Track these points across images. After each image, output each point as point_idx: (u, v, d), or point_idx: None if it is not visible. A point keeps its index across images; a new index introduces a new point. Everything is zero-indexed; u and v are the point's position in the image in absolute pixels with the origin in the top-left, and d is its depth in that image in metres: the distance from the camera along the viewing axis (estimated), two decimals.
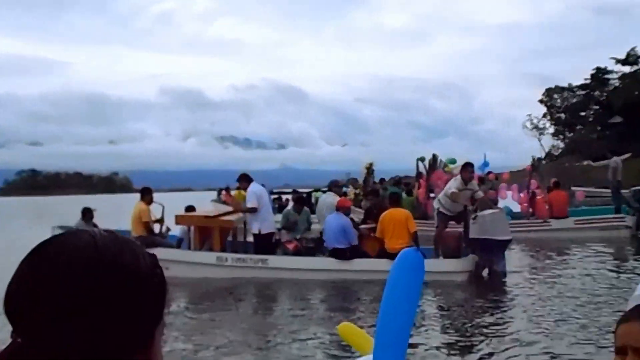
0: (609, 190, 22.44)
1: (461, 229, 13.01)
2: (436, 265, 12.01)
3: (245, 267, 12.51)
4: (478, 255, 12.21)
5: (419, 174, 20.89)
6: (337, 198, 13.67)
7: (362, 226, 13.16)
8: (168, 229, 13.94)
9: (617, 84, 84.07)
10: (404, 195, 19.10)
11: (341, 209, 12.57)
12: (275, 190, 32.01)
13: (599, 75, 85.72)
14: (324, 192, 27.92)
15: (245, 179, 13.11)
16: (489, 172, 21.65)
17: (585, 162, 78.94)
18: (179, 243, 13.59)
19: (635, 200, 19.03)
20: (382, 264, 12.15)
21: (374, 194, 14.03)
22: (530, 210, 20.50)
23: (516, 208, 20.08)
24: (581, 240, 16.83)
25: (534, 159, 21.52)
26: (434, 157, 20.15)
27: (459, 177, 12.91)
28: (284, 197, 27.89)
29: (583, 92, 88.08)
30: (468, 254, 12.29)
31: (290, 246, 13.06)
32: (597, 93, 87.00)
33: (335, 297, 11.00)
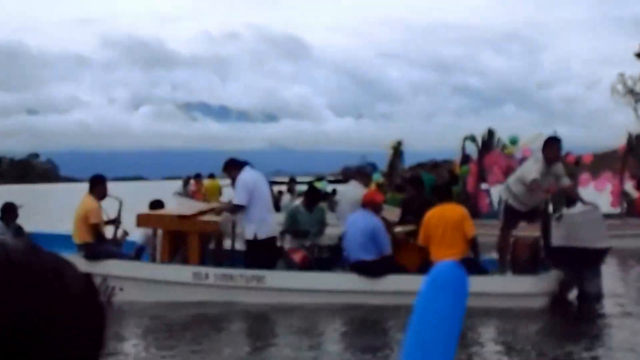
0: None
1: (538, 234, 12.83)
2: (502, 284, 12.03)
3: (232, 287, 12.35)
4: (562, 271, 12.04)
5: (466, 157, 20.87)
6: (363, 190, 13.53)
7: (397, 229, 13.01)
8: (126, 234, 13.81)
9: None
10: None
11: (369, 205, 12.41)
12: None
13: None
14: (332, 182, 28.01)
15: (233, 166, 13.00)
16: (567, 154, 21.66)
17: None
18: (138, 253, 13.52)
19: None
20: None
21: (415, 183, 13.98)
22: (625, 207, 20.47)
23: (604, 205, 19.98)
24: None
25: (630, 136, 21.44)
26: (490, 133, 20.12)
27: (539, 156, 12.75)
28: (275, 188, 28.06)
29: None
30: (548, 268, 12.13)
31: (297, 257, 12.89)
32: None
33: (358, 330, 10.88)
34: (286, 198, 26.73)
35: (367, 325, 11.00)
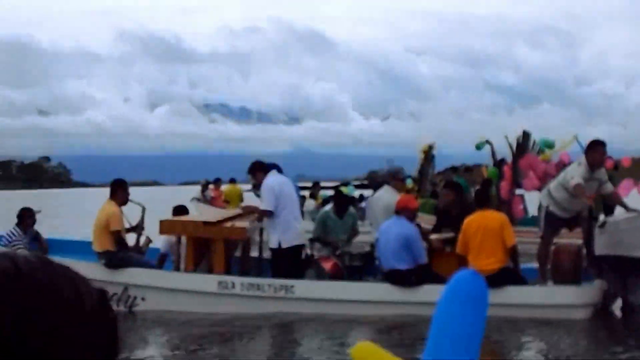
0: None
1: (580, 242, 12.85)
2: (543, 295, 11.95)
3: (260, 297, 12.33)
4: (607, 281, 11.99)
5: (500, 161, 20.81)
6: (397, 196, 13.44)
7: (433, 236, 12.92)
8: (149, 241, 13.82)
9: None
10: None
11: (404, 211, 12.35)
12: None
13: None
14: (358, 187, 27.92)
15: (259, 169, 13.02)
16: (605, 158, 21.44)
17: None
18: (161, 261, 13.52)
19: None
20: None
21: (453, 187, 13.97)
22: None
23: None
24: None
25: None
26: (525, 135, 19.98)
27: (583, 160, 12.63)
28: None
29: None
30: (592, 278, 12.08)
31: (327, 265, 12.88)
32: None
33: (392, 341, 10.66)
34: (309, 204, 26.70)
35: (402, 336, 10.87)
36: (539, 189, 19.51)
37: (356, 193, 25.54)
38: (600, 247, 12.17)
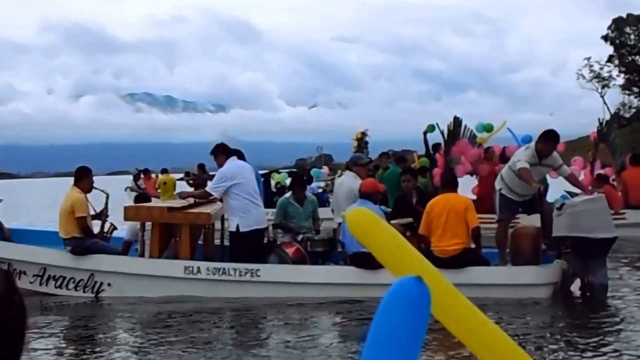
0: None
1: (538, 224, 12.92)
2: (505, 274, 12.10)
3: (226, 281, 12.45)
4: (567, 261, 12.15)
5: (434, 147, 21.03)
6: (359, 181, 13.48)
7: (393, 221, 12.71)
8: (114, 228, 13.88)
9: None
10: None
11: (368, 195, 12.47)
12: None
13: None
14: (290, 174, 28.06)
15: (222, 152, 13.08)
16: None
17: None
18: (125, 248, 13.53)
19: None
20: None
21: (413, 173, 14.22)
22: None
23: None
24: None
25: (601, 124, 21.70)
26: (456, 121, 20.20)
27: (532, 145, 12.94)
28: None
29: None
30: (551, 259, 12.27)
31: (290, 251, 12.95)
32: None
33: (356, 324, 10.92)
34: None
35: (365, 318, 10.88)
36: (471, 174, 19.88)
37: (289, 181, 25.65)
38: (560, 228, 12.44)
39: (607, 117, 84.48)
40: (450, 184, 12.77)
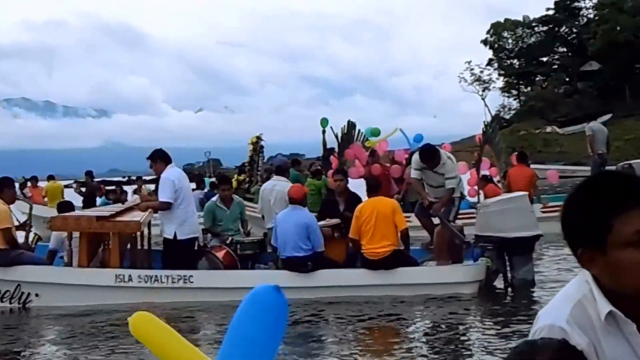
0: (588, 168, 23.95)
1: (460, 224, 13.43)
2: (433, 274, 12.47)
3: (158, 288, 12.40)
4: (490, 258, 12.45)
5: (328, 150, 21.31)
6: (288, 185, 13.72)
7: (320, 223, 13.04)
8: (39, 238, 13.64)
9: (591, 16, 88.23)
10: (308, 179, 19.51)
11: (297, 200, 12.58)
12: (100, 180, 31.56)
13: (566, 3, 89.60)
14: (216, 176, 27.93)
15: (162, 159, 12.90)
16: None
17: (548, 129, 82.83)
18: (50, 257, 13.34)
19: None
20: (359, 275, 12.39)
21: (344, 173, 14.40)
22: (482, 195, 21.51)
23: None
24: (552, 236, 17.80)
25: (486, 126, 22.34)
26: (350, 125, 20.58)
27: (417, 157, 13.53)
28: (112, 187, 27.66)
29: (544, 29, 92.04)
30: (477, 256, 12.51)
31: (220, 254, 12.95)
32: (564, 29, 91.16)
33: (289, 326, 11.23)
34: (135, 199, 26.18)
35: (299, 320, 11.13)
36: (364, 177, 20.31)
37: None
38: (477, 227, 12.91)
39: (489, 118, 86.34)
40: (376, 188, 12.99)
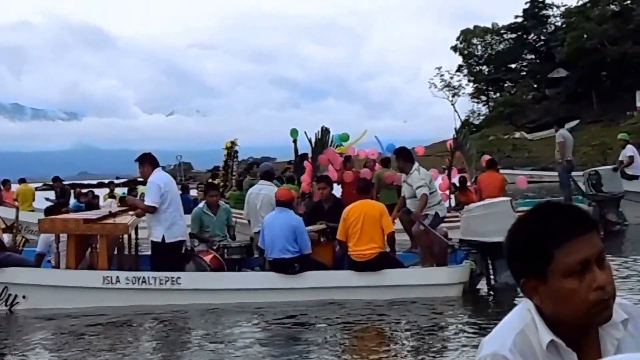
0: (556, 174, 24.07)
1: (444, 229, 13.59)
2: (418, 275, 12.54)
3: (146, 289, 12.38)
4: (474, 262, 12.63)
5: (302, 156, 21.44)
6: (275, 189, 13.79)
7: (307, 228, 13.04)
8: (26, 240, 13.65)
9: (559, 23, 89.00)
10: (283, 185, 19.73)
11: (285, 202, 12.64)
12: (73, 183, 31.28)
13: (535, 10, 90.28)
14: (204, 184, 27.99)
15: (150, 162, 12.86)
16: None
17: (517, 134, 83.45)
18: (38, 260, 13.26)
19: (590, 187, 19.65)
20: (346, 277, 12.43)
21: (328, 181, 14.48)
22: (454, 199, 21.61)
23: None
24: None
25: (457, 131, 22.54)
26: (323, 131, 20.77)
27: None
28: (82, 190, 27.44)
29: (513, 36, 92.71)
30: (461, 259, 12.74)
31: (207, 258, 12.97)
32: (532, 36, 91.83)
33: (277, 327, 11.02)
34: (108, 202, 25.95)
35: (286, 323, 11.15)
36: (337, 182, 20.43)
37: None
38: (461, 231, 13.03)
39: (458, 124, 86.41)
40: (366, 191, 13.06)
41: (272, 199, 13.32)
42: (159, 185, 12.59)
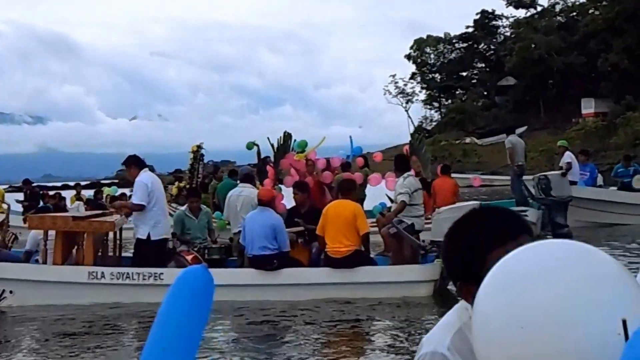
0: (506, 177, 24.27)
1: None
2: (391, 273, 12.65)
3: (129, 285, 12.39)
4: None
5: (264, 159, 21.52)
6: (255, 190, 13.94)
7: (286, 230, 13.05)
8: (15, 237, 13.63)
9: (508, 34, 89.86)
10: None
11: (266, 202, 12.72)
12: (38, 185, 31.04)
13: (485, 21, 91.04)
14: (185, 188, 28.04)
15: (136, 164, 12.91)
16: (356, 156, 22.36)
17: (467, 140, 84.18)
18: (27, 256, 13.30)
19: (540, 191, 19.74)
20: (322, 274, 12.63)
21: (304, 188, 14.58)
22: None
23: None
24: None
25: (413, 137, 22.77)
26: (286, 136, 20.83)
27: None
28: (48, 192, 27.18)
29: (464, 45, 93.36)
30: (432, 258, 12.65)
31: (188, 257, 12.96)
32: (482, 46, 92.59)
33: (257, 323, 11.17)
34: (76, 205, 25.78)
35: (266, 319, 11.32)
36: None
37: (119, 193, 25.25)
38: (432, 233, 13.11)
39: (412, 129, 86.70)
40: (348, 191, 13.10)
41: (253, 200, 13.47)
42: (147, 185, 12.67)
